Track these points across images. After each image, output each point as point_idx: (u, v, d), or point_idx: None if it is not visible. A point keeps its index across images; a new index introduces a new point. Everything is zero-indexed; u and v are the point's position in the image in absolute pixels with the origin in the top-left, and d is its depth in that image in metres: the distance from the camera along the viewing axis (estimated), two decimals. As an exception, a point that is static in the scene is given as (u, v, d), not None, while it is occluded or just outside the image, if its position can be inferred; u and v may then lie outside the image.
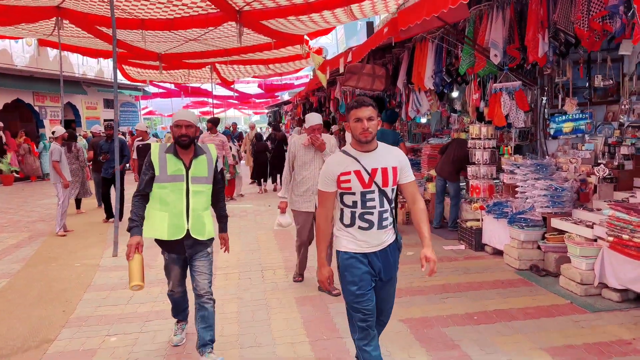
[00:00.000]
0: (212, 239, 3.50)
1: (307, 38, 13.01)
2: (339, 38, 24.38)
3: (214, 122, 10.08)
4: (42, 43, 14.12)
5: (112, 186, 8.66)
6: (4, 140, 15.52)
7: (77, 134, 15.52)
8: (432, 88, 6.47)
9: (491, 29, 5.24)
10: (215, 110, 36.31)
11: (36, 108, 17.92)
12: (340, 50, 23.73)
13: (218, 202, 3.60)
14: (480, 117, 6.21)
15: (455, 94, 7.16)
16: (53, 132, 8.17)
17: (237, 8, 9.03)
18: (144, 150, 8.45)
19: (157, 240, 3.44)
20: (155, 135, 20.32)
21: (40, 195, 13.20)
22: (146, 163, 3.36)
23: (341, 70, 7.64)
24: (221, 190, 3.64)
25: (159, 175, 3.29)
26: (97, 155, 9.11)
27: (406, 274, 5.06)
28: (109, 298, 4.89)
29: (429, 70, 6.45)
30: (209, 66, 16.11)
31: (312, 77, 22.25)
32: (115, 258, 6.41)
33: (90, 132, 13.53)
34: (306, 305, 4.46)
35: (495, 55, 5.20)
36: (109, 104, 22.51)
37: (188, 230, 3.30)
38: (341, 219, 2.75)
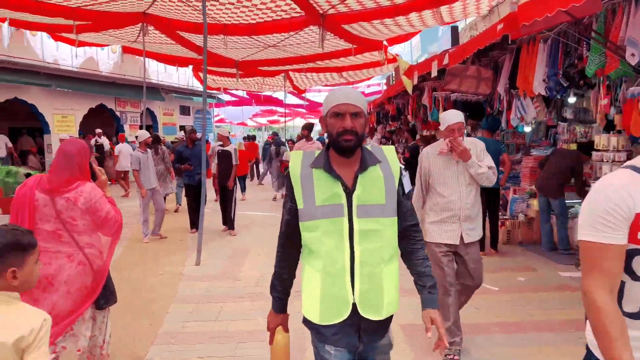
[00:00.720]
0: (391, 317, 1.98)
1: (386, 44, 12.56)
2: (414, 45, 23.74)
3: (309, 129, 9.26)
4: (126, 50, 14.52)
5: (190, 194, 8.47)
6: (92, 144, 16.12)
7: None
8: (544, 93, 5.79)
9: (628, 25, 4.55)
10: (282, 119, 36.65)
11: (117, 113, 18.55)
12: (415, 58, 23.12)
13: (413, 251, 2.00)
14: (608, 126, 5.48)
15: (572, 99, 6.42)
16: (136, 137, 8.09)
17: (322, 11, 8.74)
18: (225, 157, 8.25)
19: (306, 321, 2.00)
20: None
21: (120, 198, 13.50)
22: (286, 188, 2.00)
23: (434, 73, 7.11)
24: (416, 229, 2.02)
25: (303, 208, 1.87)
26: (178, 162, 8.89)
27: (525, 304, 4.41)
28: (196, 312, 4.59)
29: (540, 73, 5.78)
30: (283, 74, 16.01)
31: (386, 84, 21.82)
32: (199, 267, 6.19)
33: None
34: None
35: (633, 55, 4.49)
36: (184, 110, 23.03)
37: (354, 304, 1.85)
38: (620, 301, 1.43)
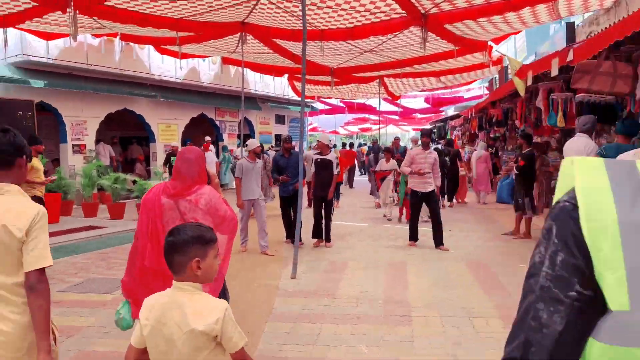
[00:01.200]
0: None
1: (492, 44, 11.72)
2: (518, 46, 22.24)
3: (429, 135, 8.28)
4: (225, 61, 14.89)
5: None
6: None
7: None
8: None
9: None
10: (374, 127, 36.19)
11: (217, 122, 19.19)
12: (520, 59, 21.64)
13: None
14: None
15: None
16: (246, 145, 7.95)
17: (423, 11, 8.22)
18: (324, 166, 7.85)
19: None
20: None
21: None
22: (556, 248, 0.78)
23: (554, 72, 6.31)
24: None
25: (629, 312, 0.70)
26: (276, 172, 8.41)
27: None
28: (293, 333, 4.28)
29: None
30: (378, 80, 15.59)
31: (488, 88, 20.62)
32: (295, 280, 5.92)
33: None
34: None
35: None
36: (280, 119, 23.38)
37: None
38: None
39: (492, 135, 16.44)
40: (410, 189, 7.86)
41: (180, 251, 1.86)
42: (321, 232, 7.97)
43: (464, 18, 8.49)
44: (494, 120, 14.24)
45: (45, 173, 12.63)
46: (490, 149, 15.59)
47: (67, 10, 8.15)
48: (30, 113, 10.50)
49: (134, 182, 11.29)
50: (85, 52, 13.24)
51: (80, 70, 13.43)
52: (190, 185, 2.91)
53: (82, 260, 7.21)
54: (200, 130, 19.85)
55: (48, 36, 11.34)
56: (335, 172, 7.82)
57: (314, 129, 33.25)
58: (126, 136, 18.73)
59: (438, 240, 7.56)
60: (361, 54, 11.66)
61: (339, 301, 5.03)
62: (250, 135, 21.11)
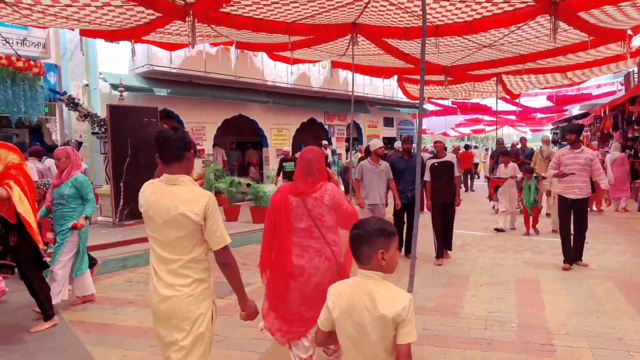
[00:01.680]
0: None
1: (631, 33, 10.36)
2: (661, 34, 19.68)
3: (578, 131, 6.93)
4: (335, 65, 14.83)
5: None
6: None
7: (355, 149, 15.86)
8: None
9: None
10: (488, 128, 34.22)
11: (326, 126, 19.21)
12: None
13: None
14: None
15: None
16: (367, 146, 7.65)
17: (553, -2, 7.39)
18: (442, 170, 7.15)
19: None
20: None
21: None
22: None
23: None
24: None
25: None
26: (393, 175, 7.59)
27: None
28: (415, 357, 3.86)
29: None
30: (495, 78, 14.56)
31: (623, 84, 18.44)
32: (412, 294, 5.48)
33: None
34: None
35: None
36: (388, 122, 22.92)
37: None
38: None
39: (630, 135, 14.59)
40: (558, 194, 6.65)
41: (366, 242, 2.04)
42: (449, 244, 7.33)
43: (602, 3, 7.51)
44: (633, 118, 12.59)
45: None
46: (627, 150, 13.82)
47: (187, 19, 8.49)
48: (154, 119, 11.11)
49: (248, 185, 11.52)
50: (204, 60, 13.86)
51: (199, 78, 14.09)
52: (314, 183, 3.03)
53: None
54: (310, 135, 20.03)
55: (171, 47, 12.01)
56: (456, 174, 7.17)
57: (423, 132, 32.18)
58: (242, 141, 19.43)
59: (576, 254, 6.58)
60: (478, 50, 10.88)
61: (464, 322, 4.51)
62: (357, 139, 20.89)
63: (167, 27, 9.41)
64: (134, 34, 9.88)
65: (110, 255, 7.80)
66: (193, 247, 2.37)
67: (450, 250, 7.39)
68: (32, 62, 9.27)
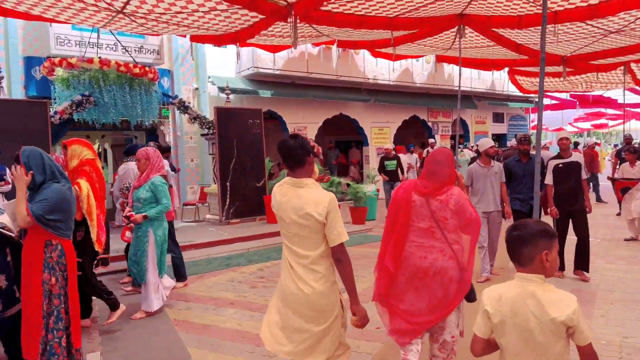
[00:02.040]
0: None
1: None
2: None
3: None
4: (440, 59, 14.20)
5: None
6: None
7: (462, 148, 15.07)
8: None
9: None
10: (611, 123, 31.01)
11: (429, 124, 18.54)
12: None
13: None
14: None
15: None
16: (476, 145, 7.06)
17: None
18: (567, 173, 6.11)
19: None
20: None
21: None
22: None
23: None
24: None
25: None
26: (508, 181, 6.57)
27: None
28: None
29: None
30: (623, 67, 13.04)
31: None
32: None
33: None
34: None
35: None
36: (498, 117, 21.62)
37: None
38: None
39: None
40: None
41: (529, 244, 2.00)
42: (584, 262, 6.15)
43: None
44: None
45: (271, 175, 13.75)
46: None
47: (289, 19, 8.51)
48: (258, 121, 11.36)
49: (348, 185, 11.37)
50: (306, 61, 13.95)
51: (301, 78, 14.22)
52: (441, 186, 2.99)
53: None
54: (411, 133, 19.48)
55: (274, 49, 12.21)
56: (584, 177, 6.15)
57: (533, 128, 30.10)
58: (341, 140, 19.40)
59: None
60: (604, 37, 9.76)
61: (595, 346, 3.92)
62: (463, 136, 19.93)
63: (270, 29, 9.53)
64: (239, 38, 10.14)
65: (215, 254, 8.06)
66: (320, 244, 2.58)
67: (587, 271, 6.17)
68: (147, 68, 9.86)
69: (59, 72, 9.17)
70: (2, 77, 8.54)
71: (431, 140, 15.86)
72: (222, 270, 7.02)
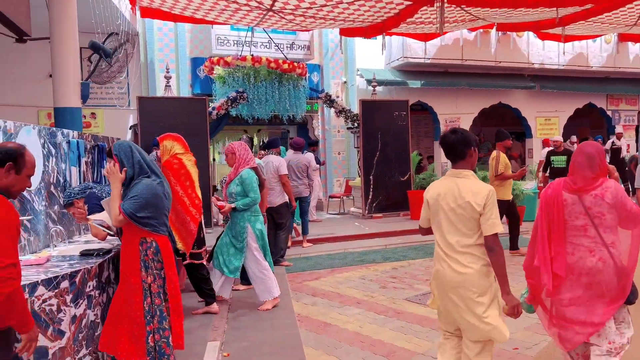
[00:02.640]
0: None
1: None
2: None
3: None
4: (623, 38, 12.27)
5: None
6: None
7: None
8: None
9: None
10: None
11: (608, 112, 16.14)
12: None
13: None
14: None
15: None
16: None
17: None
18: None
19: None
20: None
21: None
22: None
23: None
24: None
25: None
26: None
27: None
28: None
29: None
30: None
31: None
32: None
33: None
34: None
35: None
36: None
37: None
38: None
39: None
40: None
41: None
42: None
43: None
44: None
45: (420, 169, 13.24)
46: None
47: (435, 3, 7.97)
48: (404, 112, 10.97)
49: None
50: (461, 47, 13.10)
51: (455, 66, 13.42)
52: (594, 179, 2.81)
53: (437, 265, 6.83)
54: (585, 123, 17.23)
55: (425, 37, 11.64)
56: None
57: None
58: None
59: None
60: None
61: None
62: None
63: (417, 15, 9.06)
64: (385, 27, 9.85)
65: (352, 248, 7.95)
66: (476, 231, 2.70)
67: None
68: (295, 64, 10.12)
69: (218, 70, 9.89)
70: (170, 77, 9.48)
71: (618, 132, 13.68)
72: (355, 265, 6.87)
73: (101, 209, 3.70)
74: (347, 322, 4.66)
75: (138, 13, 9.45)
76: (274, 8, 8.88)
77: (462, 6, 8.53)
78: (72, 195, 3.88)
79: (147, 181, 3.14)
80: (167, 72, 9.47)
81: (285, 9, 8.91)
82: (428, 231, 2.97)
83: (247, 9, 8.99)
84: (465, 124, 14.10)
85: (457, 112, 13.97)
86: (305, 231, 8.23)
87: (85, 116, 10.69)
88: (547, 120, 15.10)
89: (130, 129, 10.62)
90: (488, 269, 2.72)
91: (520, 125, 15.41)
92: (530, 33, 13.19)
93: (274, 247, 6.92)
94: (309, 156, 10.54)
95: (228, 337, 4.33)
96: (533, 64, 13.89)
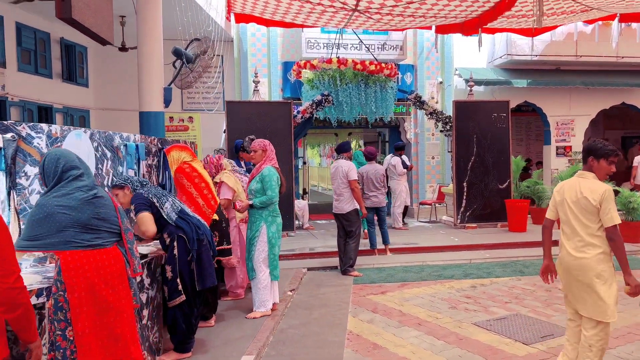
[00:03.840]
0: None
1: None
2: None
3: None
4: None
5: None
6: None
7: None
8: None
9: None
10: None
11: None
12: None
13: None
14: None
15: None
16: None
17: None
18: None
19: None
20: None
21: None
22: None
23: None
24: None
25: None
26: None
27: None
28: None
29: None
30: None
31: None
32: None
33: None
34: None
35: None
36: None
37: None
38: None
39: None
40: None
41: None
42: None
43: None
44: None
45: (525, 176, 12.10)
46: None
47: (533, -6, 7.14)
48: (504, 114, 10.05)
49: (617, 192, 9.10)
50: (575, 42, 11.77)
51: (568, 64, 12.09)
52: None
53: (524, 285, 6.07)
54: None
55: (533, 32, 10.62)
56: None
57: None
58: (628, 135, 15.93)
59: None
60: None
61: None
62: None
63: (515, 9, 8.23)
64: (482, 22, 9.11)
65: (432, 261, 7.40)
66: (595, 222, 3.05)
67: None
68: (383, 65, 9.73)
69: (305, 73, 9.83)
70: (258, 82, 9.61)
71: None
72: (430, 280, 6.34)
73: (148, 210, 3.77)
74: (399, 346, 4.24)
75: (233, 19, 9.75)
76: (359, 8, 8.61)
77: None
78: (127, 180, 3.92)
79: (41, 199, 2.54)
80: (256, 76, 9.61)
81: (371, 8, 8.59)
82: (551, 223, 3.36)
83: (333, 10, 8.82)
84: (581, 126, 12.65)
85: (571, 114, 12.57)
86: (385, 240, 7.80)
87: (183, 120, 11.30)
88: (683, 122, 13.05)
89: (224, 132, 10.97)
90: (604, 256, 3.05)
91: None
92: (662, 22, 11.48)
93: (344, 255, 6.66)
94: (395, 160, 10.11)
95: (269, 351, 4.14)
96: (665, 57, 12.08)
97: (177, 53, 7.06)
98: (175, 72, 7.32)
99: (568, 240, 3.18)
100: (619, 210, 9.15)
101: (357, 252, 6.74)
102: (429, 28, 10.20)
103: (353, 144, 16.15)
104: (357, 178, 6.59)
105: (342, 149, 6.87)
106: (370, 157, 7.73)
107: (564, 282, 3.22)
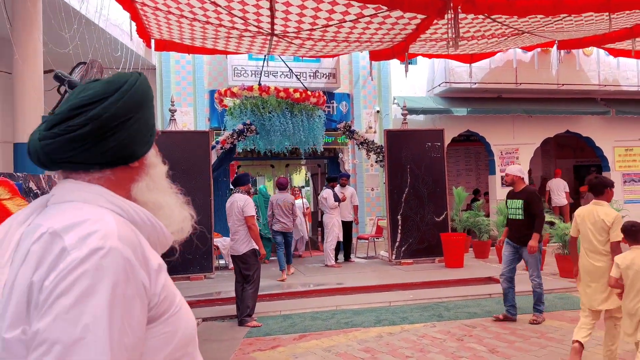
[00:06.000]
0: None
1: None
2: None
3: None
4: None
5: None
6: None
7: None
8: None
9: None
10: None
11: None
12: None
13: None
14: None
15: None
16: None
17: None
18: None
19: None
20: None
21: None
22: None
23: None
24: None
25: None
26: None
27: None
28: None
29: None
30: None
31: None
32: None
33: None
34: None
35: None
36: None
37: None
38: None
39: None
40: None
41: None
42: None
43: None
44: None
45: (471, 207, 11.57)
46: None
47: (446, 15, 6.71)
48: (439, 143, 9.58)
49: (552, 224, 8.62)
50: (514, 69, 11.52)
51: (509, 91, 11.82)
52: None
53: (435, 334, 5.38)
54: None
55: (470, 59, 10.31)
56: None
57: None
58: (580, 164, 15.73)
59: None
60: None
61: None
62: None
63: (432, 29, 7.81)
64: (408, 46, 8.69)
65: (345, 305, 6.65)
66: (606, 241, 4.00)
67: None
68: (309, 93, 9.20)
69: (227, 101, 9.23)
70: (175, 110, 8.95)
71: None
72: (334, 330, 5.59)
73: None
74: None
75: (153, 47, 9.13)
76: (276, 32, 8.11)
77: (485, 14, 7.18)
78: None
79: None
80: (172, 104, 8.96)
81: (288, 32, 8.10)
82: (574, 239, 4.45)
83: (250, 34, 8.28)
84: (526, 156, 12.30)
85: (515, 143, 12.23)
86: (289, 261, 8.68)
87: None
88: (627, 150, 12.82)
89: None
90: (611, 264, 3.75)
91: (596, 157, 13.25)
92: (601, 51, 11.32)
93: (241, 303, 5.88)
94: (327, 193, 9.47)
95: None
96: (604, 85, 11.90)
97: (59, 78, 6.37)
98: (60, 99, 6.61)
99: (587, 252, 4.14)
100: (555, 242, 8.68)
101: (256, 299, 5.96)
102: (361, 52, 9.79)
103: (298, 176, 15.52)
104: (254, 214, 5.87)
105: (239, 182, 6.14)
106: (281, 187, 8.63)
107: (582, 283, 4.18)
